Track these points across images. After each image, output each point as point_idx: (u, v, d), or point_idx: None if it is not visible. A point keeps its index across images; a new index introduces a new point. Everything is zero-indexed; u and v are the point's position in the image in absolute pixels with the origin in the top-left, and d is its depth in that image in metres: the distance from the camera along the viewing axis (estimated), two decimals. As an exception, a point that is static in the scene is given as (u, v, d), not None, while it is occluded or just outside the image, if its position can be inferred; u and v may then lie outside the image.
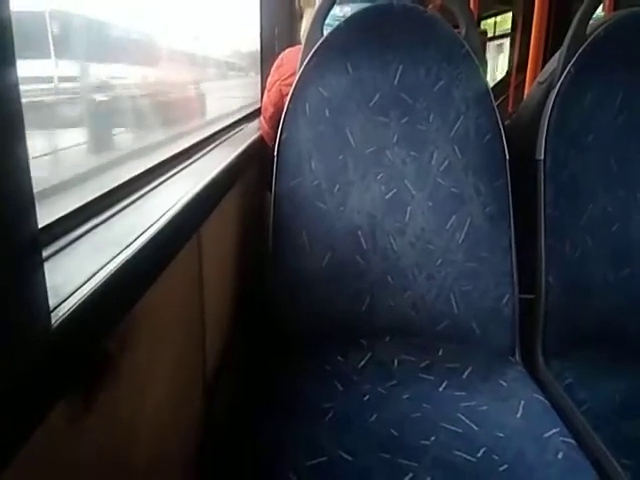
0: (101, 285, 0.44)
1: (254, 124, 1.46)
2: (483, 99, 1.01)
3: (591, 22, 1.07)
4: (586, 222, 1.01)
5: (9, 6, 0.33)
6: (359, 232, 1.01)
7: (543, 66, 1.35)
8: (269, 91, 1.33)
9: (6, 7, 0.32)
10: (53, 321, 0.38)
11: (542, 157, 1.01)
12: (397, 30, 1.02)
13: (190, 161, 0.92)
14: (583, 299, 1.00)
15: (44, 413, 0.37)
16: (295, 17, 1.65)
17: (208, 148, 1.05)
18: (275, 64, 1.34)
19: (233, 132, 1.30)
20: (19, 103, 0.34)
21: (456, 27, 1.08)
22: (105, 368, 0.47)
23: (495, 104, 1.02)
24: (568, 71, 1.02)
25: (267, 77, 1.36)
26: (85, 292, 0.42)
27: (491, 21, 6.41)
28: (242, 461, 0.73)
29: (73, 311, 0.40)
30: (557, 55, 1.10)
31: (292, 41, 1.58)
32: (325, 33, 1.04)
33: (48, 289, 0.38)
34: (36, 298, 0.36)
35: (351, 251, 1.00)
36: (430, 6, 1.35)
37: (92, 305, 0.42)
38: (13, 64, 0.33)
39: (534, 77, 2.43)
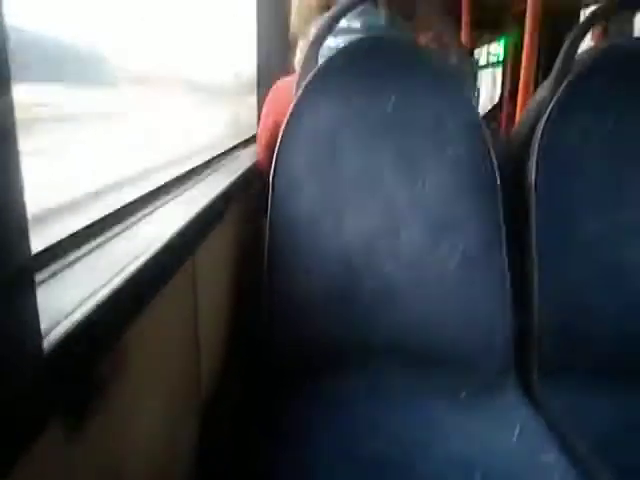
0: (94, 310, 0.45)
1: (250, 150, 1.48)
2: (474, 127, 1.03)
3: (580, 51, 1.10)
4: (578, 245, 1.02)
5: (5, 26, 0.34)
6: (354, 257, 1.01)
7: (534, 93, 1.38)
8: (264, 121, 1.35)
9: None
10: (45, 345, 0.38)
11: (533, 182, 1.03)
12: (389, 62, 1.05)
13: (185, 187, 0.93)
14: (577, 321, 1.00)
15: (35, 435, 0.37)
16: (292, 45, 1.69)
17: (204, 174, 1.06)
18: (270, 95, 1.37)
19: (229, 158, 1.32)
20: (13, 127, 0.35)
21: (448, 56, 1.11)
22: (97, 393, 0.47)
23: (487, 132, 1.04)
24: (557, 99, 1.04)
25: (263, 105, 1.38)
26: (78, 317, 0.43)
27: (484, 49, 6.53)
28: None
29: (65, 336, 0.40)
30: (547, 82, 1.12)
31: (289, 69, 1.62)
32: (319, 63, 1.07)
33: (40, 314, 0.38)
34: (28, 322, 0.37)
35: (346, 275, 1.01)
36: (422, 36, 1.39)
37: (84, 330, 0.43)
38: (7, 85, 0.34)
39: (525, 104, 2.47)
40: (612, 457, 0.77)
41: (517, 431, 0.81)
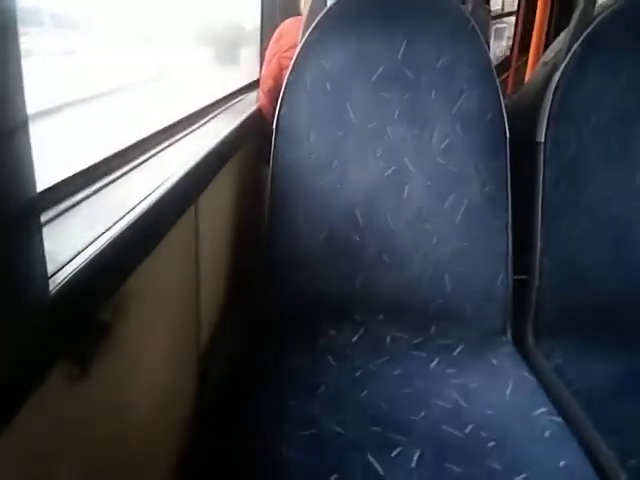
0: (99, 253, 0.44)
1: (252, 96, 1.43)
2: (486, 77, 1.00)
3: (598, 4, 1.06)
4: (584, 205, 1.01)
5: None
6: (356, 209, 1.00)
7: (546, 47, 1.33)
8: (268, 63, 1.30)
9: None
10: (51, 287, 0.38)
11: (543, 139, 1.00)
12: (403, 3, 1.00)
13: (187, 131, 0.91)
14: (577, 281, 1.01)
15: (42, 376, 0.37)
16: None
17: (205, 119, 1.03)
18: (274, 36, 1.32)
19: (231, 103, 1.28)
20: (19, 68, 0.33)
21: (463, 2, 1.06)
22: (101, 336, 0.47)
23: (498, 83, 1.01)
24: (573, 53, 1.00)
25: (266, 48, 1.34)
26: (83, 260, 0.42)
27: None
28: (235, 433, 0.73)
29: (71, 278, 0.40)
30: (562, 36, 1.08)
31: (294, 12, 1.55)
32: (329, 3, 1.02)
33: (46, 255, 0.37)
34: (35, 264, 0.36)
35: (348, 228, 1.00)
36: None
37: (90, 273, 0.42)
38: (15, 30, 0.33)
39: (536, 58, 2.40)
40: (601, 414, 0.79)
41: (510, 388, 0.82)
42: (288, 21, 1.33)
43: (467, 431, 0.74)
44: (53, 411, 0.41)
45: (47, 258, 0.38)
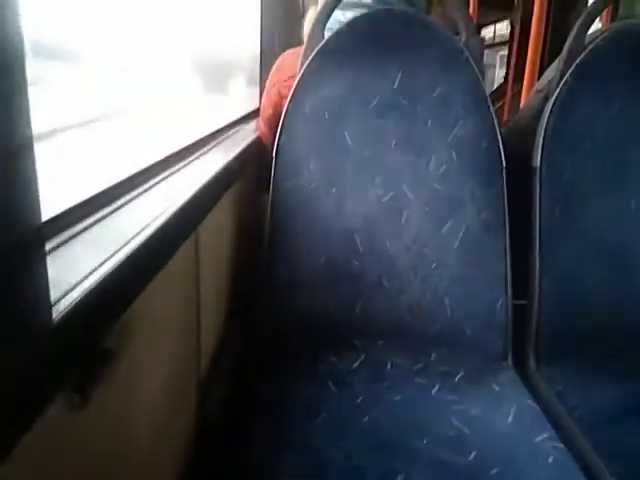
0: (101, 281, 0.44)
1: (251, 125, 1.46)
2: (481, 106, 1.02)
3: (589, 33, 1.09)
4: (581, 229, 1.02)
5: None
6: (355, 235, 1.01)
7: (539, 75, 1.36)
8: (268, 92, 1.33)
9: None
10: (54, 315, 0.38)
11: (538, 164, 1.02)
12: (398, 35, 1.03)
13: (188, 161, 0.92)
14: (576, 306, 1.01)
15: (44, 405, 0.37)
16: (297, 17, 1.65)
17: (206, 148, 1.05)
18: (275, 65, 1.35)
19: (231, 133, 1.30)
20: (26, 96, 0.34)
21: (456, 34, 1.09)
22: (103, 363, 0.47)
23: (493, 111, 1.03)
24: (566, 80, 1.03)
25: (266, 77, 1.36)
26: (86, 287, 0.43)
27: (490, 29, 6.43)
28: (235, 460, 0.73)
29: (74, 306, 0.40)
30: (555, 64, 1.11)
31: (293, 42, 1.59)
32: (326, 35, 1.05)
33: (50, 282, 0.38)
34: (39, 291, 0.37)
35: (347, 254, 1.01)
36: (433, 11, 1.36)
37: (92, 300, 0.42)
38: (22, 59, 0.34)
39: (531, 86, 2.44)
40: (603, 441, 0.78)
41: (512, 414, 0.82)
42: (289, 52, 1.36)
43: (470, 458, 0.73)
44: (54, 439, 0.41)
45: (50, 285, 0.39)
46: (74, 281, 0.43)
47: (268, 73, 1.36)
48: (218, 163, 0.92)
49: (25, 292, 0.35)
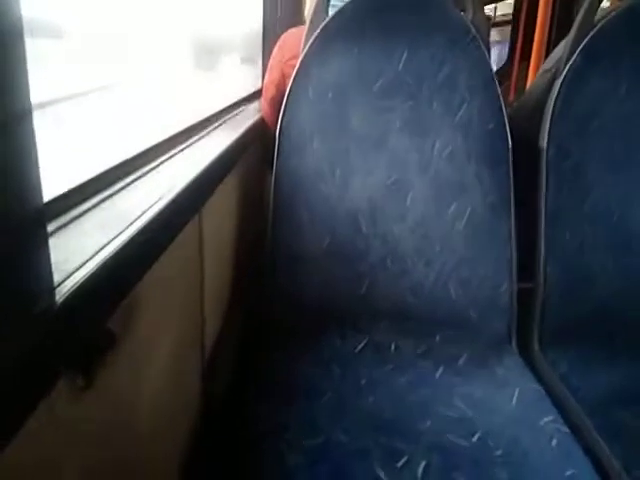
0: (104, 263, 0.44)
1: (254, 105, 1.44)
2: (488, 86, 1.00)
3: (598, 10, 1.06)
4: (587, 211, 1.01)
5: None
6: (359, 216, 1.00)
7: (547, 54, 1.34)
8: (271, 72, 1.31)
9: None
10: (57, 297, 0.38)
11: (545, 145, 1.01)
12: (404, 12, 1.01)
13: (191, 141, 0.91)
14: (581, 288, 1.00)
15: (47, 387, 0.37)
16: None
17: (209, 129, 1.04)
18: (277, 44, 1.33)
19: (234, 113, 1.29)
20: (26, 78, 0.34)
21: (462, 11, 1.07)
22: (106, 346, 0.47)
23: (500, 91, 1.01)
24: (574, 59, 1.01)
25: (268, 58, 1.35)
26: (89, 269, 0.42)
27: (491, 6, 6.32)
28: (240, 440, 0.73)
29: (77, 288, 0.40)
30: (563, 43, 1.09)
31: (295, 22, 1.56)
32: (330, 13, 1.03)
33: (52, 265, 0.38)
34: (41, 273, 0.36)
35: (351, 235, 1.00)
36: None
37: (96, 283, 0.42)
38: (22, 44, 0.33)
39: (538, 65, 2.41)
40: (607, 423, 0.78)
41: (516, 395, 0.82)
42: (291, 30, 1.34)
43: (474, 440, 0.73)
44: (58, 422, 0.41)
45: (53, 268, 0.38)
46: (77, 263, 0.42)
47: (270, 53, 1.34)
48: (221, 144, 0.91)
49: (27, 274, 0.35)
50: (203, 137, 0.98)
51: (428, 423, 0.76)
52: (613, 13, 1.03)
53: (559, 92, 1.01)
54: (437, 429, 0.75)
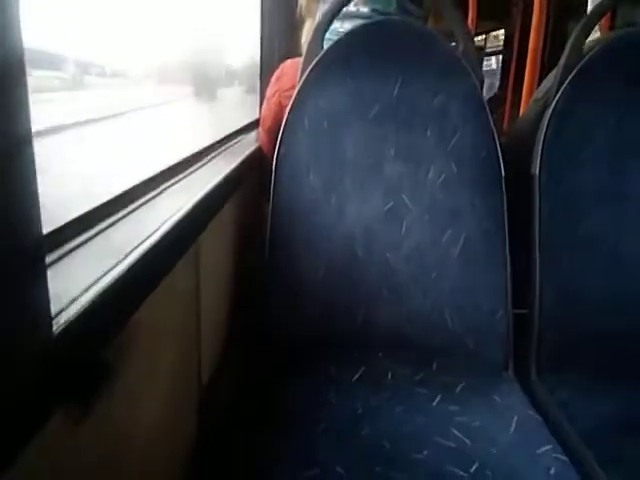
0: (102, 294, 0.44)
1: (252, 135, 1.46)
2: (480, 115, 1.02)
3: (587, 41, 1.09)
4: (581, 237, 1.02)
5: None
6: (355, 244, 1.01)
7: (539, 83, 1.37)
8: (269, 102, 1.33)
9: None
10: (55, 328, 0.38)
11: (537, 172, 1.02)
12: (396, 45, 1.04)
13: (188, 172, 0.92)
14: (577, 315, 1.01)
15: (44, 419, 0.37)
16: (296, 27, 1.67)
17: (206, 159, 1.05)
18: (275, 75, 1.35)
19: (232, 143, 1.31)
20: (27, 107, 0.34)
21: (453, 42, 1.09)
22: (104, 376, 0.47)
23: (492, 120, 1.03)
24: (564, 89, 1.03)
25: (266, 88, 1.37)
26: (86, 300, 0.43)
27: (481, 38, 6.46)
28: (236, 472, 0.72)
29: (75, 319, 0.40)
30: (553, 73, 1.11)
31: (292, 52, 1.59)
32: (325, 46, 1.05)
33: (50, 296, 0.38)
34: (39, 304, 0.37)
35: (347, 264, 1.01)
36: (431, 21, 1.37)
37: (93, 313, 0.43)
38: (22, 69, 0.34)
39: (530, 94, 2.46)
40: (605, 452, 0.77)
41: (514, 425, 0.81)
42: (289, 61, 1.37)
43: (471, 470, 0.73)
44: (53, 453, 0.41)
45: (51, 299, 0.39)
46: (75, 294, 0.43)
47: (268, 83, 1.37)
48: (219, 174, 0.92)
49: (25, 305, 0.35)
50: (201, 167, 0.99)
51: (425, 453, 0.76)
52: (600, 45, 1.06)
53: (549, 121, 1.03)
54: (434, 459, 0.75)
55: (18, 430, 0.34)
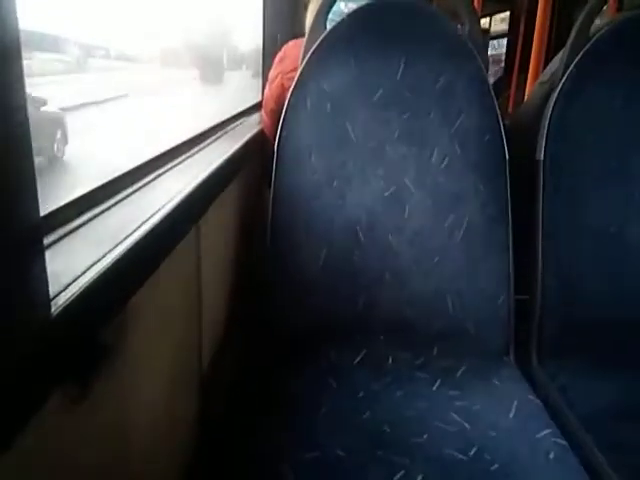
0: (100, 275, 0.44)
1: (255, 117, 1.45)
2: (484, 97, 1.01)
3: (594, 23, 1.07)
4: (585, 223, 1.01)
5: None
6: (357, 228, 1.00)
7: (545, 66, 1.35)
8: (271, 84, 1.32)
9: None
10: (53, 309, 0.38)
11: (542, 158, 1.01)
12: (401, 25, 1.02)
13: (190, 154, 0.92)
14: (578, 301, 1.00)
15: (42, 398, 0.37)
16: (299, 8, 1.64)
17: (208, 141, 1.05)
18: (277, 57, 1.34)
19: (234, 125, 1.30)
20: (23, 93, 0.34)
21: (459, 24, 1.08)
22: (102, 357, 0.47)
23: (496, 103, 1.02)
24: (570, 72, 1.02)
25: (269, 70, 1.36)
26: (85, 282, 0.42)
27: (485, 21, 6.38)
28: (238, 454, 0.73)
29: (73, 300, 0.40)
30: (559, 56, 1.10)
31: (295, 34, 1.57)
32: (328, 26, 1.04)
33: (48, 277, 0.38)
34: (37, 286, 0.37)
35: (349, 247, 1.00)
36: (435, 3, 1.35)
37: (91, 295, 0.42)
38: (18, 54, 0.33)
39: (535, 77, 2.43)
40: (605, 436, 0.78)
41: (513, 409, 0.81)
42: (291, 43, 1.35)
43: (471, 454, 0.73)
44: (52, 433, 0.41)
45: (50, 280, 0.38)
46: (73, 275, 0.43)
47: (270, 65, 1.35)
48: (220, 156, 0.92)
49: (23, 286, 0.35)
50: (203, 149, 0.98)
51: (425, 437, 0.76)
52: (607, 27, 1.04)
53: (554, 105, 1.01)
54: (434, 443, 0.75)
55: (16, 411, 0.34)
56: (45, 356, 0.37)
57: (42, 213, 0.38)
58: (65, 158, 1.18)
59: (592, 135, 1.01)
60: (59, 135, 1.20)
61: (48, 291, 0.38)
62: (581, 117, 1.02)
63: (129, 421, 0.58)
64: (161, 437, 0.69)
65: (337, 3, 1.08)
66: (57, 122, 1.24)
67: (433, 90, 1.01)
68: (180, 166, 0.84)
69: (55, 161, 1.16)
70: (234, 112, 1.39)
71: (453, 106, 1.00)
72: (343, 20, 1.02)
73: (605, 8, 2.62)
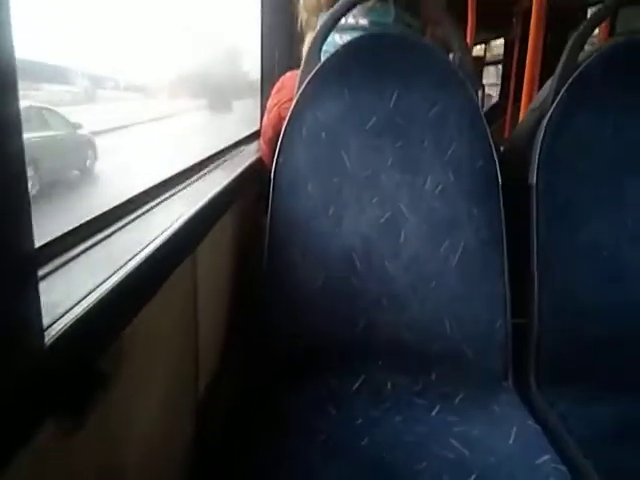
0: (95, 305, 0.45)
1: (253, 146, 1.47)
2: (477, 125, 1.03)
3: (585, 49, 1.09)
4: (578, 247, 1.01)
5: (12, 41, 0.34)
6: (354, 254, 1.01)
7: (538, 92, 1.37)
8: (269, 114, 1.34)
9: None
10: (46, 339, 0.39)
11: (534, 182, 1.02)
12: (393, 57, 1.04)
13: (188, 182, 0.93)
14: (576, 324, 1.00)
15: (33, 430, 0.37)
16: (296, 40, 1.68)
17: (208, 169, 1.06)
18: (275, 87, 1.36)
19: (234, 153, 1.32)
20: (19, 123, 0.35)
21: (450, 52, 1.10)
22: (97, 386, 0.47)
23: (489, 130, 1.04)
24: (560, 98, 1.03)
25: (267, 100, 1.38)
26: (79, 311, 0.43)
27: (480, 47, 6.47)
28: None
29: (66, 330, 0.40)
30: (549, 82, 1.12)
31: (293, 64, 1.61)
32: (322, 58, 1.06)
33: (42, 308, 0.38)
34: (30, 316, 0.37)
35: (346, 273, 1.01)
36: (429, 33, 1.38)
37: (86, 324, 0.43)
38: (14, 83, 0.34)
39: (528, 104, 2.46)
40: (604, 462, 0.77)
41: (513, 435, 0.81)
42: (289, 74, 1.38)
43: None
44: (44, 466, 0.41)
45: (46, 310, 0.39)
46: (67, 306, 0.43)
47: (268, 95, 1.38)
48: (218, 184, 0.93)
49: (16, 317, 0.36)
50: (202, 177, 1.00)
51: (424, 464, 0.75)
52: (597, 53, 1.06)
53: (545, 131, 1.03)
54: (433, 470, 0.74)
55: (9, 441, 0.34)
56: (38, 385, 0.38)
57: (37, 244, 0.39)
58: (95, 172, 1.53)
59: (583, 161, 1.03)
60: (90, 153, 1.56)
61: (41, 322, 0.39)
62: (571, 143, 1.03)
63: (124, 451, 0.58)
64: (158, 465, 0.68)
65: (331, 35, 1.11)
66: (89, 143, 1.61)
67: (426, 119, 1.03)
68: (181, 194, 0.86)
69: (87, 174, 1.51)
70: (231, 142, 1.42)
71: (445, 134, 1.02)
72: (337, 52, 1.05)
73: (597, 33, 2.67)
